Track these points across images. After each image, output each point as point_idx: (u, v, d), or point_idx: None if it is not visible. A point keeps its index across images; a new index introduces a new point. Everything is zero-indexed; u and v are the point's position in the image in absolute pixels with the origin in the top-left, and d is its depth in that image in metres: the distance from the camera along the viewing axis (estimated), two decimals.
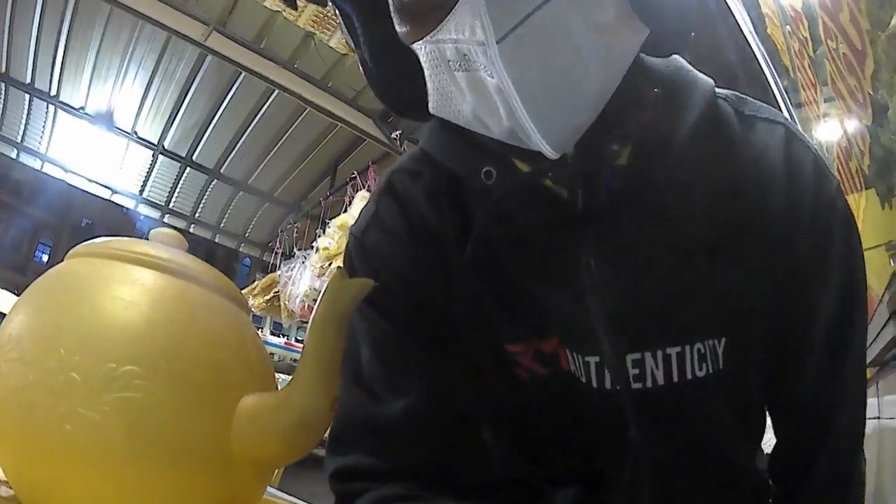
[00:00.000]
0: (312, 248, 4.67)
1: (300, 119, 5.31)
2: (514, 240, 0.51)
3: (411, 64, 0.44)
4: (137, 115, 5.66)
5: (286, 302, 4.91)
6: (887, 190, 1.40)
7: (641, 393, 0.50)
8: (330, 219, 4.72)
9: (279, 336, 11.00)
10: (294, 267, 4.90)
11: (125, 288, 0.43)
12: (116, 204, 7.22)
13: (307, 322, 0.59)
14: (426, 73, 0.44)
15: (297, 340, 10.91)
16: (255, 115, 5.39)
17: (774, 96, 2.10)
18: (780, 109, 2.07)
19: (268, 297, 5.28)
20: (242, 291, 0.80)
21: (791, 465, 0.54)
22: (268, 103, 5.19)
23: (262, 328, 10.60)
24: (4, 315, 0.44)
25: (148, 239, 0.50)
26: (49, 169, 6.66)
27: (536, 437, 0.55)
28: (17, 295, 0.47)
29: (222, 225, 7.29)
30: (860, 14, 1.31)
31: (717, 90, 0.54)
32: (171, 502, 0.42)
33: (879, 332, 1.48)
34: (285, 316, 5.16)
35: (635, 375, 0.50)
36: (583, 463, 0.54)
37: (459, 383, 0.52)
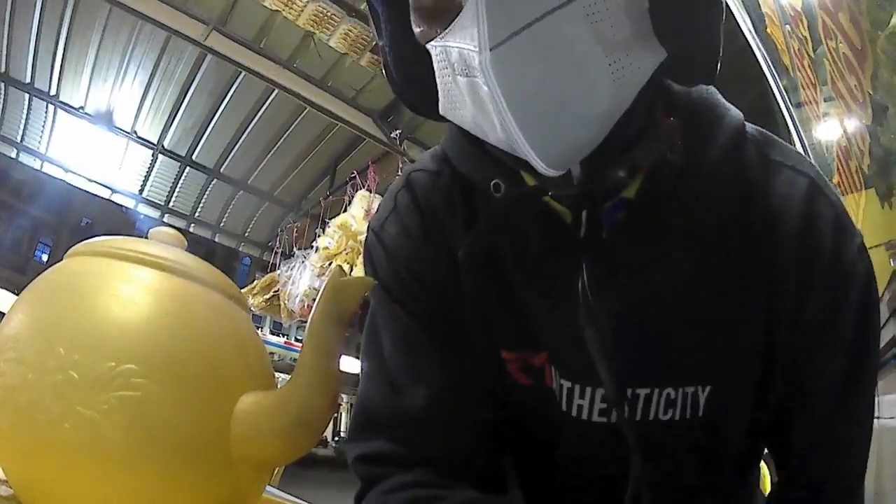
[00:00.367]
0: (312, 247, 4.67)
1: (300, 118, 5.31)
2: (515, 250, 0.51)
3: (427, 64, 0.44)
4: (137, 114, 5.66)
5: (286, 301, 4.91)
6: (887, 190, 1.40)
7: (607, 425, 0.51)
8: (330, 218, 4.72)
9: (279, 335, 11.00)
10: (294, 266, 4.90)
11: (125, 287, 0.43)
12: (116, 203, 7.22)
13: (307, 321, 0.59)
14: (436, 74, 0.44)
15: (296, 340, 10.91)
16: (255, 115, 5.39)
17: (774, 96, 2.10)
18: (780, 109, 2.07)
19: (267, 297, 5.28)
20: (242, 291, 0.80)
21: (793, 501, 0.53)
22: (267, 103, 5.19)
23: (261, 327, 10.60)
24: (4, 314, 0.44)
25: (147, 238, 0.50)
26: (49, 168, 6.65)
27: (526, 443, 0.56)
28: (17, 294, 0.47)
29: (222, 224, 7.29)
30: (860, 14, 1.31)
31: (749, 128, 0.51)
32: (171, 500, 0.42)
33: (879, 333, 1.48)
34: (285, 315, 5.16)
35: (603, 409, 0.51)
36: (568, 477, 0.55)
37: (474, 377, 0.53)
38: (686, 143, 0.46)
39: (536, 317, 0.51)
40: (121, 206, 7.25)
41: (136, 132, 5.90)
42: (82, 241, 0.49)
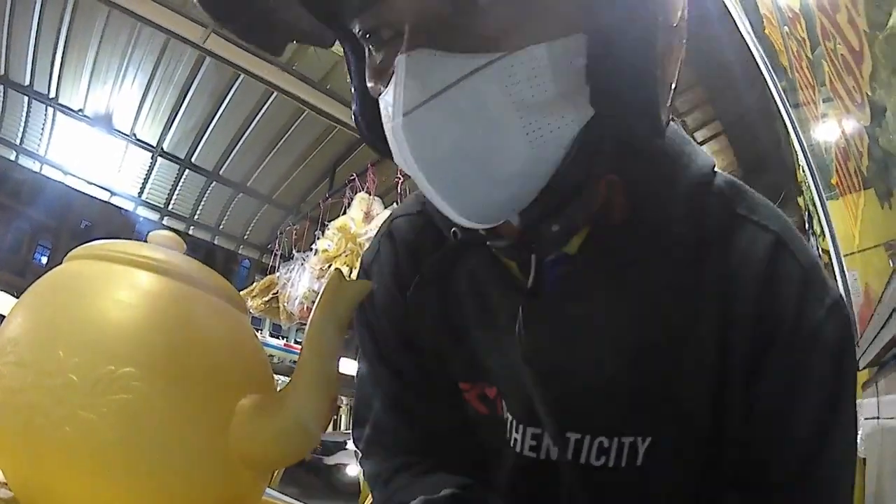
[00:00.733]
0: (311, 249, 4.66)
1: (299, 121, 5.31)
2: (469, 287, 0.54)
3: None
4: (136, 117, 5.66)
5: (285, 304, 4.90)
6: (886, 190, 1.40)
7: (538, 460, 0.52)
8: (329, 221, 4.71)
9: (278, 338, 10.99)
10: (293, 269, 4.89)
11: (124, 290, 0.43)
12: (115, 206, 7.22)
13: (306, 323, 0.60)
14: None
15: (296, 342, 10.89)
16: (254, 117, 5.39)
17: (773, 96, 2.11)
18: (779, 109, 2.07)
19: (267, 299, 5.27)
20: (241, 293, 0.81)
21: None
22: (266, 105, 5.19)
23: (261, 330, 10.60)
24: (3, 317, 0.44)
25: (147, 241, 0.50)
26: (48, 171, 6.65)
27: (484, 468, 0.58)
28: (16, 297, 0.47)
29: (221, 227, 7.28)
30: (858, 15, 1.31)
31: (719, 180, 0.49)
32: (169, 503, 0.42)
33: (879, 332, 1.48)
34: (284, 318, 5.15)
35: (533, 446, 0.52)
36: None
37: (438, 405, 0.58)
38: (635, 197, 0.46)
39: (488, 351, 0.54)
40: (120, 208, 7.25)
41: (135, 135, 5.90)
42: (82, 244, 0.49)
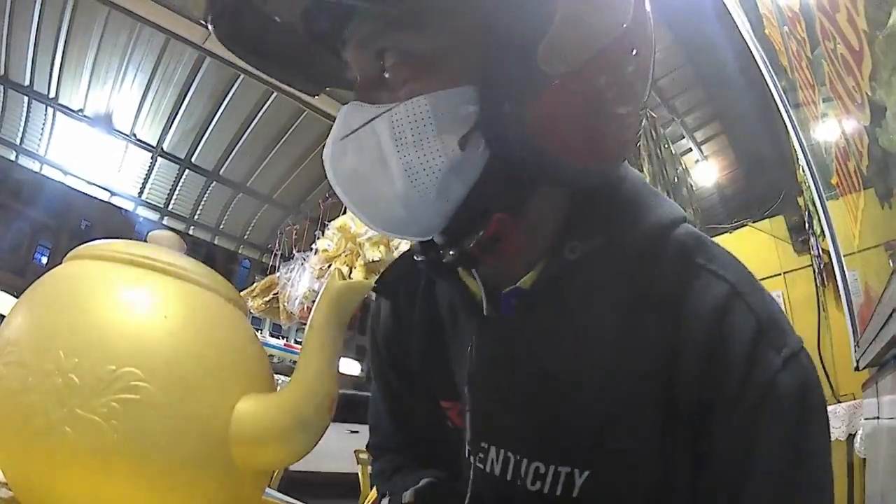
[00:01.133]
0: (311, 249, 4.66)
1: (299, 121, 5.31)
2: (448, 311, 0.59)
3: None
4: (136, 117, 5.65)
5: (285, 304, 4.90)
6: (886, 190, 1.40)
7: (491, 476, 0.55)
8: (329, 221, 4.71)
9: (278, 338, 11.01)
10: (293, 269, 4.89)
11: (124, 290, 0.43)
12: (115, 206, 7.21)
13: (306, 323, 0.61)
14: None
15: (296, 342, 10.90)
16: (254, 118, 5.38)
17: (773, 96, 2.11)
18: (779, 109, 2.07)
19: (267, 299, 5.27)
20: (241, 293, 0.81)
21: None
22: (266, 105, 5.19)
23: (261, 330, 10.60)
24: (3, 317, 0.44)
25: (147, 241, 0.50)
26: (48, 171, 6.64)
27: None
28: (16, 297, 0.47)
29: (221, 227, 7.28)
30: (857, 15, 1.31)
31: (681, 231, 0.50)
32: (170, 503, 0.42)
33: (879, 332, 1.48)
34: (284, 318, 5.15)
35: (481, 459, 0.55)
36: None
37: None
38: (589, 241, 0.48)
39: (459, 369, 0.57)
40: (120, 208, 7.24)
41: (135, 135, 5.90)
42: (82, 243, 0.49)
